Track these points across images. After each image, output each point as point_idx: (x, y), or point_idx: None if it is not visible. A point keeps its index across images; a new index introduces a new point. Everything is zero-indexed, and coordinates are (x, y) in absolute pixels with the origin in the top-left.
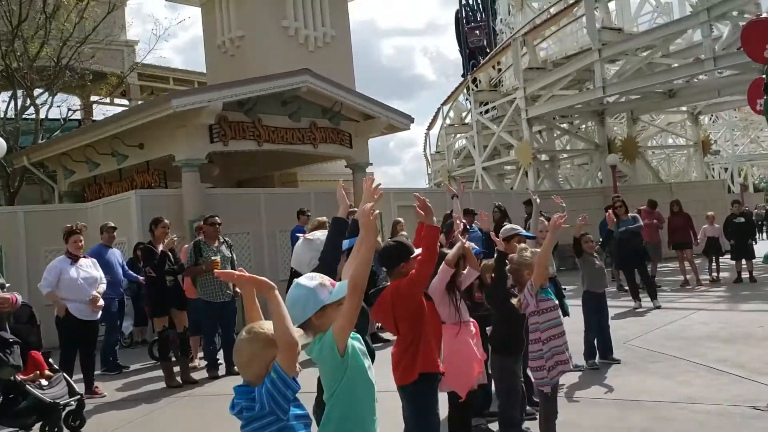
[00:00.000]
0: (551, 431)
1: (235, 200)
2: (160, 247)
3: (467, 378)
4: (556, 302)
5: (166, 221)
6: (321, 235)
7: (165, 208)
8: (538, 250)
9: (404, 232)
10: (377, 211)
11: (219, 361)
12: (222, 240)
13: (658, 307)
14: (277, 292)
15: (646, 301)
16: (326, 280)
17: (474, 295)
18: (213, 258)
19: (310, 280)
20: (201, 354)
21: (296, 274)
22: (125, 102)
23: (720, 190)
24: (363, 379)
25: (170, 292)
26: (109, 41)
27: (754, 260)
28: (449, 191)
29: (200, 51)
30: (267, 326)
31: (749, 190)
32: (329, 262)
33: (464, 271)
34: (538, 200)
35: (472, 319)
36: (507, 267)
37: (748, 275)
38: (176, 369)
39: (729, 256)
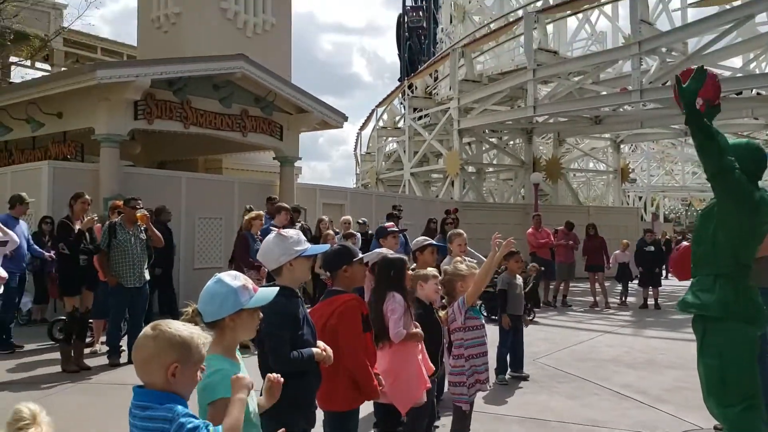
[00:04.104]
0: None
1: (155, 181)
2: (78, 225)
3: (412, 395)
4: (483, 321)
5: (87, 197)
6: (294, 233)
7: (79, 182)
8: (473, 263)
9: (330, 231)
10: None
11: (122, 348)
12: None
13: None
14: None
15: None
16: (249, 283)
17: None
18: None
19: (233, 278)
20: (103, 338)
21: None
22: (47, 67)
23: (634, 217)
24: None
25: (83, 271)
26: (35, 2)
27: (660, 288)
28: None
29: (130, 24)
30: (175, 326)
31: (660, 220)
32: None
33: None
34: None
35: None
36: (439, 278)
37: (653, 302)
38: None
39: (638, 282)
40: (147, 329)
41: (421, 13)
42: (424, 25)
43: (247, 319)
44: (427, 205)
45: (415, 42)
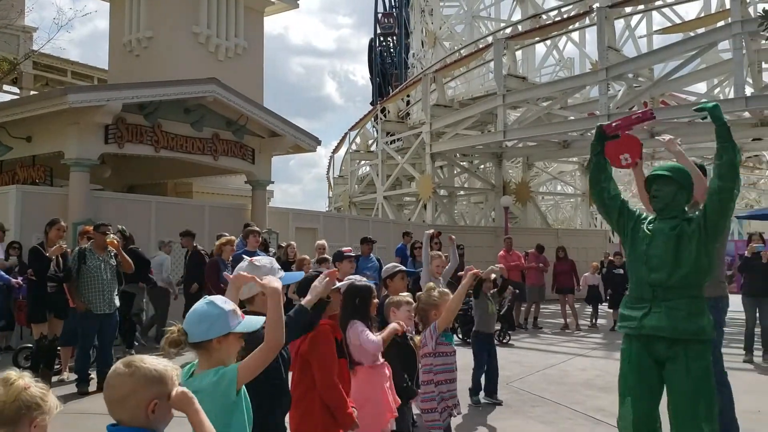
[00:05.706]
0: None
1: (124, 206)
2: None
3: (377, 425)
4: (454, 348)
5: (63, 224)
6: (267, 261)
7: (48, 207)
8: (445, 289)
9: (306, 256)
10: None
11: (90, 376)
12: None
13: None
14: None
15: None
16: (238, 309)
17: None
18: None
19: (224, 302)
20: (71, 365)
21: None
22: (16, 90)
23: (602, 240)
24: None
25: (53, 298)
26: (3, 24)
27: None
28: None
29: (98, 46)
30: (149, 361)
31: None
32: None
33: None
34: (431, 231)
35: (385, 362)
36: (413, 305)
37: None
38: None
39: (607, 304)
40: (119, 366)
41: (392, 19)
42: (396, 31)
43: (233, 342)
44: (400, 228)
45: (386, 54)
